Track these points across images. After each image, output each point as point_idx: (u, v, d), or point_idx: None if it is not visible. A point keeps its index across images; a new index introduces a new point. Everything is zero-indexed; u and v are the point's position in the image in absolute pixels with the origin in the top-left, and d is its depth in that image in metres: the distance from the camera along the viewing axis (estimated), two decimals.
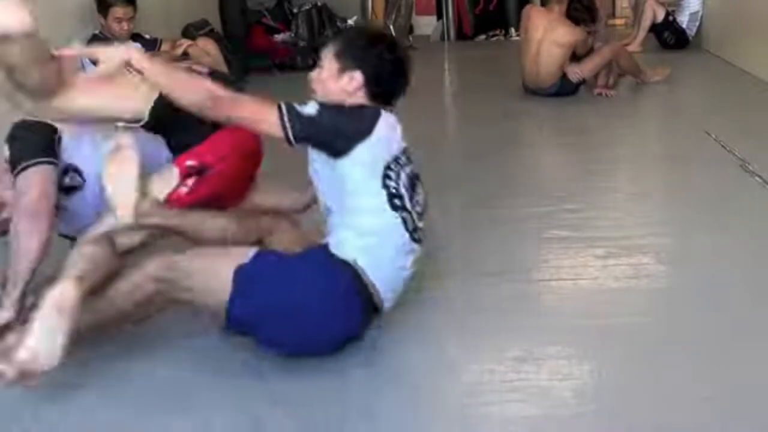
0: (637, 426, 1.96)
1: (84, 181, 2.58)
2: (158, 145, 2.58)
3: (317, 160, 2.31)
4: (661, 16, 7.25)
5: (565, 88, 5.55)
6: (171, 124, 2.50)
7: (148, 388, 2.21)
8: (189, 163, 2.51)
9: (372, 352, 2.35)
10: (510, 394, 2.10)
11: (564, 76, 5.53)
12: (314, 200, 2.51)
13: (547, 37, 5.49)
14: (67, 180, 2.57)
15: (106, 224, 2.47)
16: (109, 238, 2.42)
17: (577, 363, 2.22)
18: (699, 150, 4.23)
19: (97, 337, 2.26)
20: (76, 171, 2.59)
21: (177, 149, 2.57)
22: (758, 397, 2.04)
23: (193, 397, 2.16)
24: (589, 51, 5.64)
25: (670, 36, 7.30)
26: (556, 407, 2.04)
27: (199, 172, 2.51)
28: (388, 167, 2.28)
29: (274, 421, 2.03)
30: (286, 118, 2.22)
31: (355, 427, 2.01)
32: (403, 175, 2.32)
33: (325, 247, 2.27)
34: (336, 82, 2.35)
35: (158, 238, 2.57)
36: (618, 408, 2.03)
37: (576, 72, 5.51)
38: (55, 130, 2.56)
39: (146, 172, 2.47)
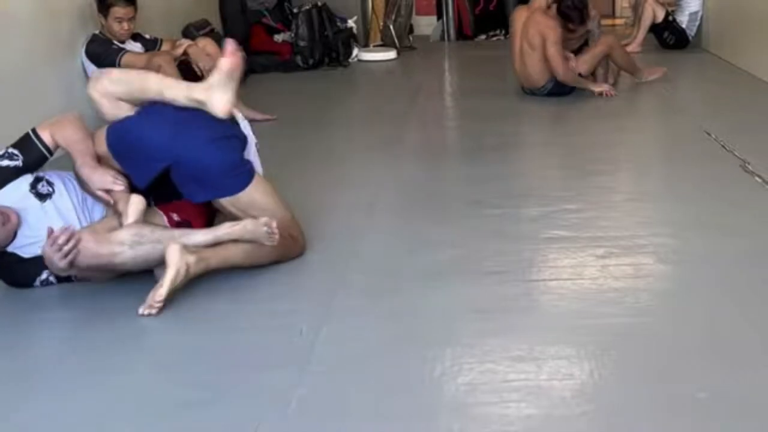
0: (637, 426, 1.96)
1: (54, 191, 2.87)
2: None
3: None
4: (661, 16, 7.25)
5: (561, 87, 5.51)
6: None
7: None
8: (176, 218, 2.90)
9: (371, 353, 2.35)
10: (510, 394, 2.10)
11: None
12: None
13: (525, 34, 5.48)
14: (39, 186, 2.86)
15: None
16: None
17: (577, 363, 2.22)
18: (699, 150, 4.23)
19: None
20: (49, 183, 2.89)
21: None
22: (758, 397, 2.04)
23: None
24: (582, 46, 5.63)
25: (670, 36, 7.30)
26: (556, 407, 2.04)
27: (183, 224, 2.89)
28: None
29: None
30: None
31: (358, 426, 2.01)
32: None
33: None
34: None
35: None
36: (618, 408, 2.03)
37: (571, 68, 5.48)
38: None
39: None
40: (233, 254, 2.75)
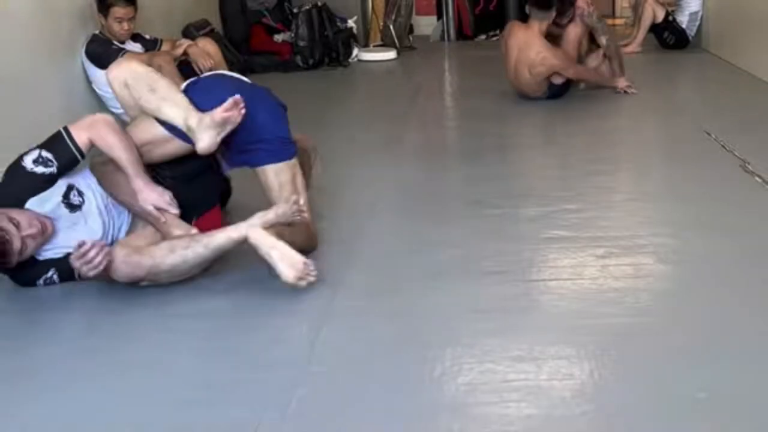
0: (637, 426, 1.96)
1: (84, 201, 2.87)
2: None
3: None
4: (661, 16, 7.25)
5: (555, 92, 5.51)
6: None
7: None
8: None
9: (371, 353, 2.36)
10: (509, 394, 2.10)
11: (550, 83, 5.49)
12: None
13: (522, 58, 5.39)
14: (71, 197, 2.85)
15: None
16: None
17: (577, 363, 2.23)
18: (699, 150, 4.23)
19: None
20: (79, 192, 2.88)
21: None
22: (757, 398, 2.04)
23: None
24: (590, 44, 5.62)
25: (670, 36, 7.30)
26: (556, 407, 2.04)
27: None
28: None
29: None
30: None
31: (358, 426, 2.02)
32: None
33: None
34: None
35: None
36: (618, 408, 2.04)
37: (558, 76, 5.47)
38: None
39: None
40: (280, 235, 2.79)
